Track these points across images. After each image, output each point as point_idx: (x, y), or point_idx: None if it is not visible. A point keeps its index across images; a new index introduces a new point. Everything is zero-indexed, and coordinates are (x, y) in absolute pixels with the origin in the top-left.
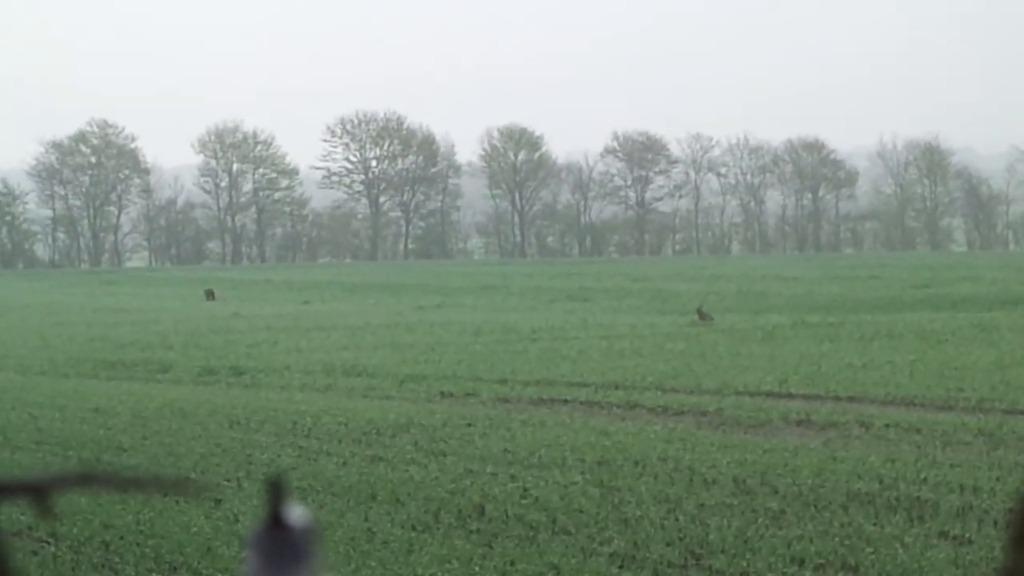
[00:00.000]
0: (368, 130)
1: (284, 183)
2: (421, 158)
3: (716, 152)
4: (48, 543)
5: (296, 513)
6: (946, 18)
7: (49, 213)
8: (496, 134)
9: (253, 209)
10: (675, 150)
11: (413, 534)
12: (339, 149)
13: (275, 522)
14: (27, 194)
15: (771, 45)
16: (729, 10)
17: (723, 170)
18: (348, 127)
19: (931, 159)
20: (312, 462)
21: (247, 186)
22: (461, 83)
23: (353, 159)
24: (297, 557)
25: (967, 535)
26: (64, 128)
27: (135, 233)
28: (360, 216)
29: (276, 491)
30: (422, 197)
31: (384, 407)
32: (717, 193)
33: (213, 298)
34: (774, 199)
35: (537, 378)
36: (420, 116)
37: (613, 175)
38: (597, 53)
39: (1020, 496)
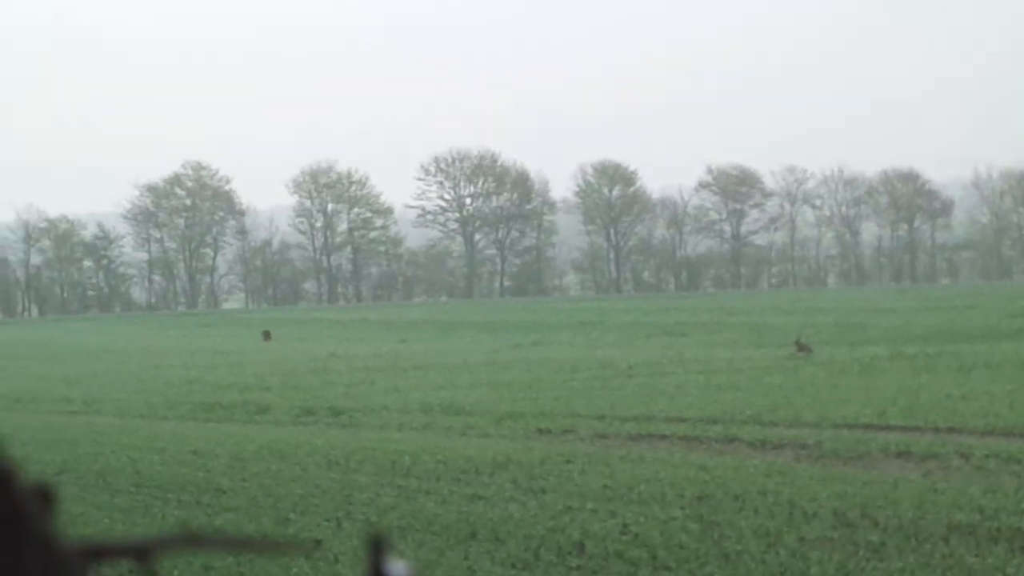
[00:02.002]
0: (462, 168)
1: (379, 222)
2: (515, 195)
3: (810, 184)
4: None
5: (397, 569)
6: None
7: (145, 256)
8: (590, 170)
9: (348, 249)
10: (769, 183)
11: (513, 572)
12: (433, 187)
13: None
14: (123, 238)
15: (865, 74)
16: (819, 40)
17: (818, 202)
18: (442, 165)
19: None
20: (411, 501)
21: (342, 226)
22: (554, 119)
23: (447, 197)
24: None
25: None
26: (159, 171)
27: (231, 275)
28: (455, 254)
29: (378, 548)
30: (517, 234)
31: (482, 445)
32: (812, 225)
33: (269, 339)
34: (869, 230)
35: (635, 414)
36: (514, 153)
37: (708, 209)
38: (689, 86)
39: None
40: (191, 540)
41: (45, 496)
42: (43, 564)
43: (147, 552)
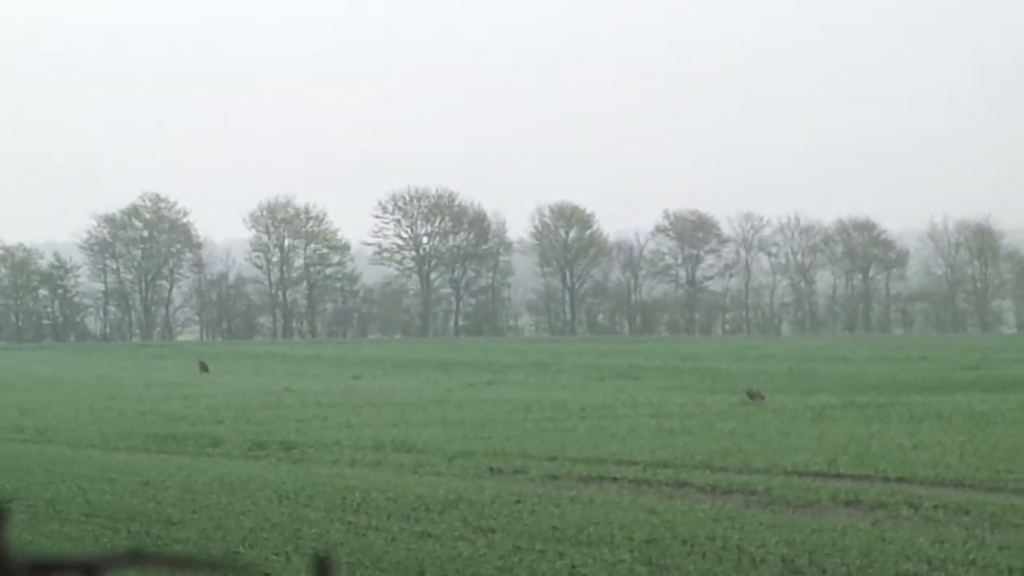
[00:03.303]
0: (419, 206)
1: (335, 259)
2: (472, 235)
3: (767, 231)
4: None
5: None
6: (998, 99)
7: (101, 287)
8: (547, 211)
9: (304, 284)
10: (726, 229)
11: None
12: (390, 225)
13: None
14: (79, 268)
15: (822, 125)
16: (779, 90)
17: (774, 249)
18: (400, 203)
19: (982, 240)
20: (361, 538)
21: (298, 261)
22: (512, 160)
23: (404, 235)
24: None
25: None
26: (116, 202)
27: (186, 307)
28: (411, 292)
29: (323, 569)
30: (473, 274)
31: (433, 483)
32: (768, 272)
33: (206, 371)
34: (824, 279)
35: (586, 455)
36: (471, 193)
37: (664, 254)
38: (648, 132)
39: None
40: (138, 557)
41: None
42: None
43: (94, 568)
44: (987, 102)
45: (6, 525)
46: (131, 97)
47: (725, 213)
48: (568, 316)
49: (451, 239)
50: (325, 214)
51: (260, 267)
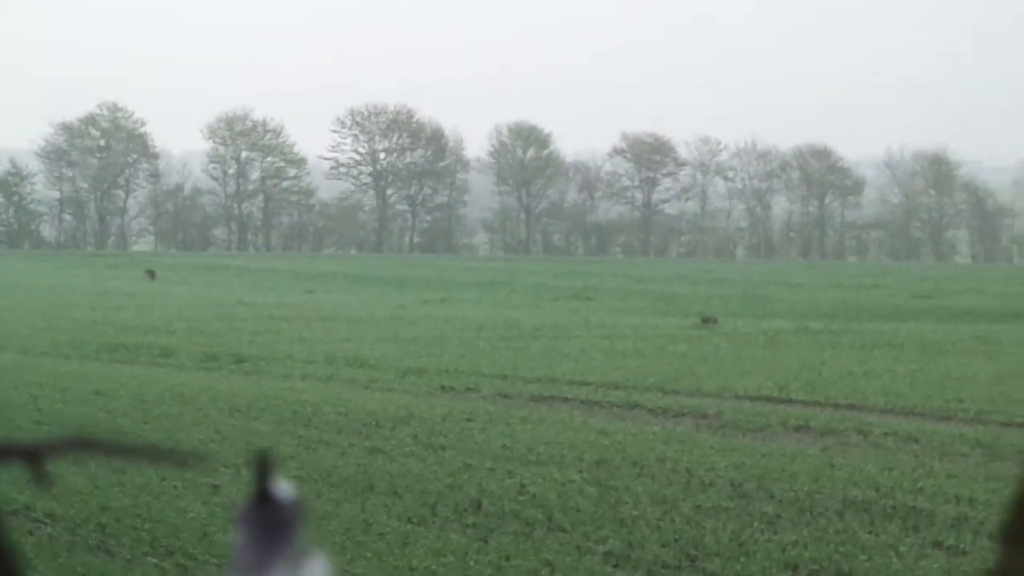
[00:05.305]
0: (377, 122)
1: (292, 172)
2: (429, 152)
3: (724, 156)
4: (44, 524)
5: (282, 488)
6: (957, 30)
7: (56, 194)
8: (505, 131)
9: (260, 197)
10: (683, 152)
11: (409, 526)
12: (348, 140)
13: (262, 497)
14: (35, 175)
15: (781, 51)
16: (740, 15)
17: (730, 174)
18: (358, 119)
19: (938, 170)
20: (311, 452)
21: (255, 174)
22: (471, 79)
23: (361, 151)
24: (284, 531)
25: (961, 546)
26: (74, 110)
27: (141, 217)
28: (367, 208)
29: (263, 466)
30: (429, 191)
31: (384, 399)
32: (724, 197)
33: (155, 278)
34: (780, 205)
35: (538, 375)
36: (430, 110)
37: (620, 175)
38: (608, 54)
39: (1014, 493)
40: (82, 444)
41: None
42: None
43: (38, 455)
44: (946, 34)
45: None
46: (91, 6)
47: (683, 137)
48: (523, 236)
49: (408, 155)
50: (283, 127)
51: (216, 179)
